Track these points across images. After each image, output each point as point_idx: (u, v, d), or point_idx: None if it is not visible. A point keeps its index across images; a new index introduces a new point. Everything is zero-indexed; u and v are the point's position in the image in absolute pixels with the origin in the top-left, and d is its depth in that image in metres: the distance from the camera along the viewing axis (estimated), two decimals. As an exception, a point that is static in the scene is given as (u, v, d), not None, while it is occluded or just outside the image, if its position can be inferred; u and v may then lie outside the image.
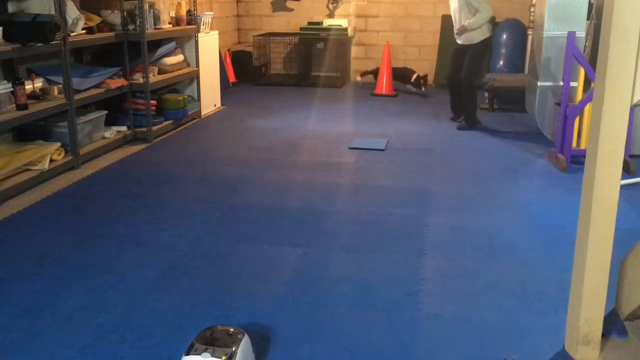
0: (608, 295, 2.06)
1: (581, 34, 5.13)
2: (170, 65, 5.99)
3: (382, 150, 5.27)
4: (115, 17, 5.28)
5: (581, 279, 2.03)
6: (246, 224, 3.57)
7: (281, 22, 9.29)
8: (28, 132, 4.53)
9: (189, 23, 6.26)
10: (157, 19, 5.65)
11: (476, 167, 4.79)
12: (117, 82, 5.15)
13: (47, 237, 3.33)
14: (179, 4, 6.25)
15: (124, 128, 5.36)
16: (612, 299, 2.29)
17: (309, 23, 8.86)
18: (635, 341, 2.20)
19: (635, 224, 3.57)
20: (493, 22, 6.17)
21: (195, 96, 6.49)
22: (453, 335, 2.39)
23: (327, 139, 5.63)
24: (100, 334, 2.38)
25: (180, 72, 6.14)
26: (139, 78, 5.37)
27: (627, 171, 4.39)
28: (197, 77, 6.46)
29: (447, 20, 8.51)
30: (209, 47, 6.78)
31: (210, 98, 6.85)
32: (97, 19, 5.15)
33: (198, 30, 6.40)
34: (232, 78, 8.70)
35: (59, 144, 4.47)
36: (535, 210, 3.83)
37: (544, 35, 5.28)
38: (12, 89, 4.08)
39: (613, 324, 2.26)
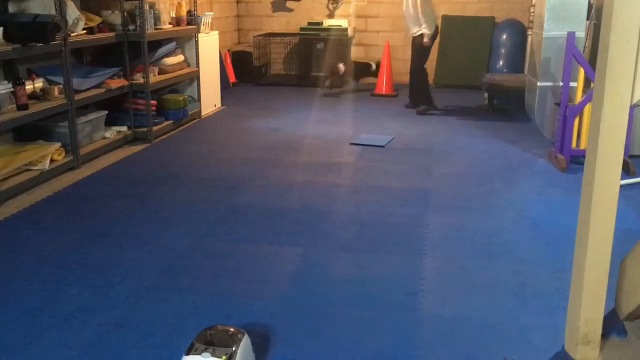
0: (608, 295, 2.06)
1: (581, 34, 5.13)
2: (171, 65, 5.99)
3: (382, 146, 5.29)
4: (115, 18, 5.28)
5: (581, 279, 2.04)
6: (246, 224, 3.57)
7: (281, 22, 9.29)
8: (28, 132, 4.53)
9: (189, 23, 6.26)
10: (157, 19, 5.65)
11: (476, 167, 4.79)
12: (118, 82, 5.15)
13: (47, 237, 3.33)
14: (179, 4, 6.25)
15: (124, 128, 5.36)
16: (612, 299, 2.30)
17: (309, 23, 8.86)
18: (635, 341, 2.20)
19: (635, 224, 3.57)
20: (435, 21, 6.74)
21: (196, 96, 6.49)
22: (453, 335, 2.39)
23: (327, 139, 5.63)
24: (100, 334, 2.38)
25: (181, 72, 6.14)
26: (139, 78, 5.37)
27: (627, 171, 4.39)
28: (197, 77, 6.46)
29: (446, 20, 8.52)
30: (209, 47, 6.78)
31: (210, 98, 6.85)
32: (97, 19, 5.15)
33: (198, 31, 6.41)
34: (232, 78, 8.70)
35: (59, 144, 4.47)
36: (535, 210, 3.83)
37: (544, 35, 5.28)
38: (12, 89, 4.09)
39: (613, 324, 2.26)
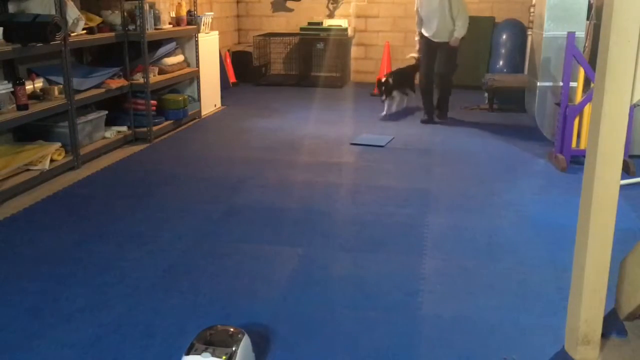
0: (608, 295, 2.06)
1: (581, 34, 5.13)
2: (171, 65, 5.99)
3: (382, 146, 5.29)
4: (115, 18, 5.28)
5: (581, 279, 2.04)
6: (246, 224, 3.57)
7: (281, 23, 9.29)
8: (28, 132, 4.53)
9: (189, 23, 6.26)
10: (157, 19, 5.65)
11: (476, 167, 4.79)
12: (118, 82, 5.15)
13: (47, 237, 3.33)
14: (179, 4, 6.25)
15: (124, 128, 5.36)
16: (612, 299, 2.30)
17: (309, 23, 8.86)
18: (635, 341, 2.20)
19: (635, 224, 3.57)
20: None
21: (196, 96, 6.49)
22: (453, 335, 2.39)
23: (327, 139, 5.63)
24: (100, 334, 2.38)
25: (181, 72, 6.14)
26: (139, 78, 5.37)
27: (626, 171, 4.39)
28: (197, 77, 6.46)
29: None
30: (209, 47, 6.78)
31: (210, 98, 6.85)
32: (97, 19, 5.15)
33: (198, 31, 6.40)
34: (232, 78, 8.70)
35: (59, 144, 4.47)
36: (535, 210, 3.83)
37: (544, 35, 5.28)
38: (12, 89, 4.08)
39: (613, 324, 2.26)
